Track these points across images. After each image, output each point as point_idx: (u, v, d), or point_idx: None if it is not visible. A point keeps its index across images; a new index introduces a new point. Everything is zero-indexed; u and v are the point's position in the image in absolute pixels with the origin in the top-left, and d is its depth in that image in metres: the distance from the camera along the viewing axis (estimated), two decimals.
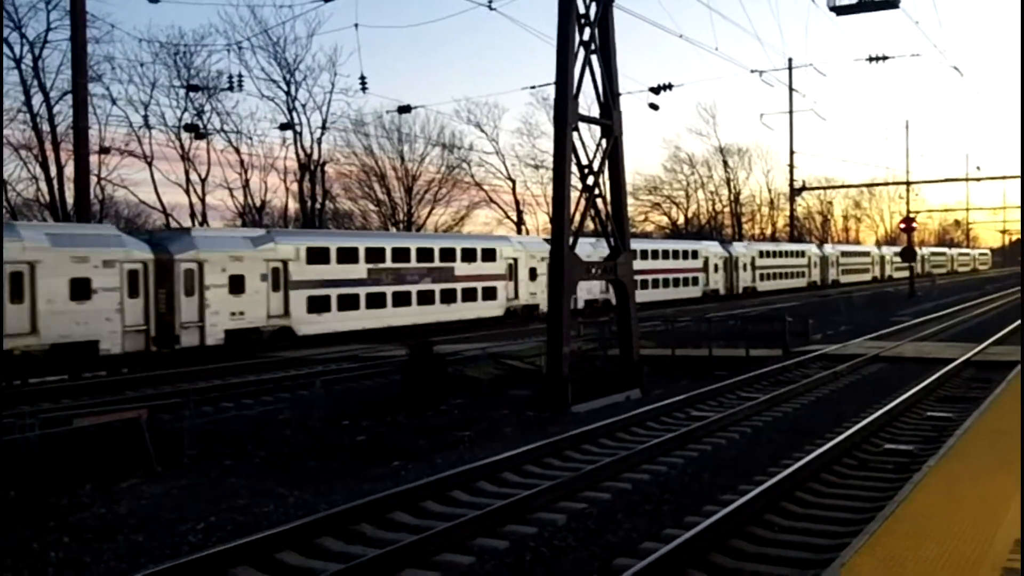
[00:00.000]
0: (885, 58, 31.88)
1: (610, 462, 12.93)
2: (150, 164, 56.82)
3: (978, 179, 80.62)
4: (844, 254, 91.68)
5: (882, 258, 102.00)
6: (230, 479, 13.48)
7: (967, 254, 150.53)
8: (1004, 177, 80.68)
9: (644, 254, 53.23)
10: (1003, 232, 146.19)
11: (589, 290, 48.08)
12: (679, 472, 12.81)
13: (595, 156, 21.72)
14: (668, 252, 59.10)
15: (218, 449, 15.31)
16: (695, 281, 61.23)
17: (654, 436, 15.24)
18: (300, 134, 62.32)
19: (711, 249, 65.04)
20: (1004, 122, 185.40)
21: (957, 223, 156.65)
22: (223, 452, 15.16)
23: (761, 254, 72.60)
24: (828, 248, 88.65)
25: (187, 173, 59.33)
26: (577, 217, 21.40)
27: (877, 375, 22.64)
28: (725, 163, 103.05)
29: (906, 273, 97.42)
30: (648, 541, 9.50)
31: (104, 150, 51.58)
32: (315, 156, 63.32)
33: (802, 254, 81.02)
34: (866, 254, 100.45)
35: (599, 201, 21.95)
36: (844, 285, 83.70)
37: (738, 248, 69.86)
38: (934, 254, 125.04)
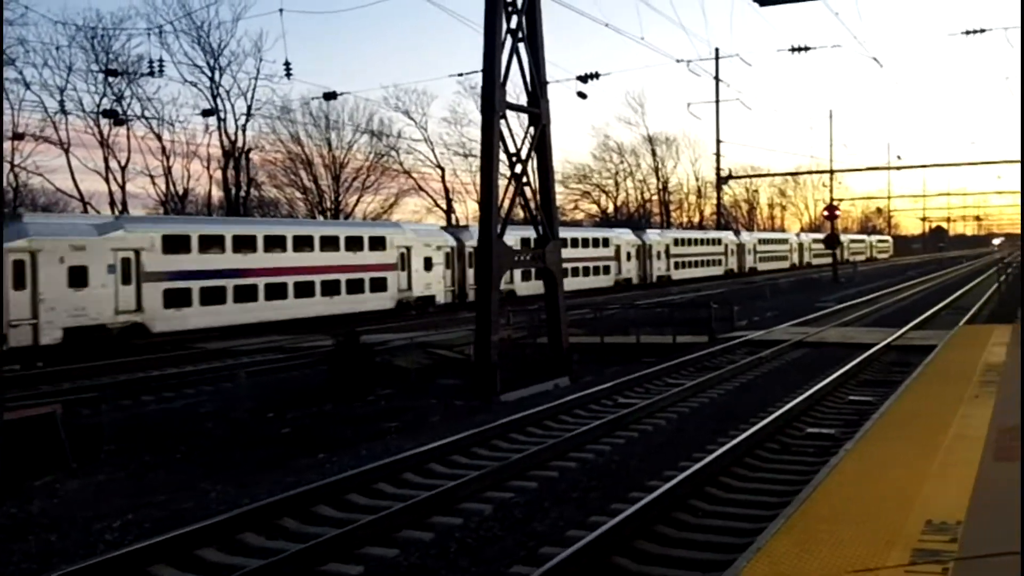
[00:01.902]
0: (807, 49, 32.34)
1: (538, 451, 12.89)
2: (67, 151, 55.56)
3: (899, 168, 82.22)
4: (762, 241, 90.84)
5: (800, 245, 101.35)
6: (150, 474, 13.19)
7: (885, 240, 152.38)
8: (924, 166, 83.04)
9: None
10: (923, 220, 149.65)
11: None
12: (606, 459, 12.84)
13: (523, 144, 21.70)
14: (577, 240, 57.22)
15: (138, 444, 14.99)
16: (606, 270, 59.83)
17: (582, 424, 15.25)
18: (224, 121, 61.51)
19: (623, 237, 63.84)
20: (923, 112, 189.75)
21: (879, 211, 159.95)
22: (143, 447, 14.84)
23: (676, 242, 71.18)
24: (745, 235, 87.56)
25: (106, 160, 58.22)
26: (506, 205, 21.37)
27: (801, 360, 22.97)
28: (653, 152, 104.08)
29: (825, 260, 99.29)
30: (574, 529, 9.48)
31: (18, 136, 50.21)
32: (240, 143, 62.50)
33: (718, 242, 79.93)
34: (784, 241, 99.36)
35: (527, 189, 21.94)
36: (762, 273, 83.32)
37: (652, 236, 68.30)
38: (853, 241, 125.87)
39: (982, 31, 32.35)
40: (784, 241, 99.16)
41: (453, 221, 76.64)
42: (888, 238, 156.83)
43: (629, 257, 63.51)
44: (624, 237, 63.82)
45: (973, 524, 5.28)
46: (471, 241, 42.18)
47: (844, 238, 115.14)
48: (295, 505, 10.46)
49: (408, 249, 42.61)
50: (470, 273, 44.87)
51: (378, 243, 41.02)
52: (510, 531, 9.64)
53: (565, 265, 52.88)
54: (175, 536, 9.08)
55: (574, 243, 56.19)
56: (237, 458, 14.10)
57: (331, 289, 38.18)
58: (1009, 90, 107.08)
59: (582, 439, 13.83)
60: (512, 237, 49.02)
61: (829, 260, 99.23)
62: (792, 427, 14.45)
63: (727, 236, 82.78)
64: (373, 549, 9.13)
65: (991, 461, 6.71)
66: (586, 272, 57.14)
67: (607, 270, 59.87)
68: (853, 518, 5.53)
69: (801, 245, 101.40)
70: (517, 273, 45.84)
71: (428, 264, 43.73)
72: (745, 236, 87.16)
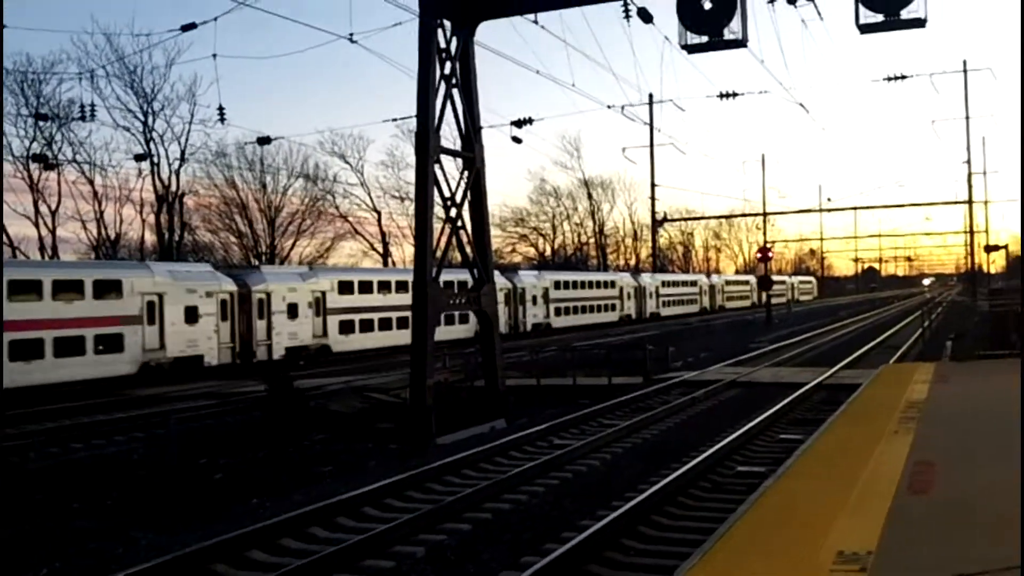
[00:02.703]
0: (735, 95, 33.13)
1: (471, 493, 12.94)
2: None
3: (829, 210, 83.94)
4: (666, 284, 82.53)
5: (712, 288, 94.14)
6: (79, 522, 12.97)
7: (808, 282, 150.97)
8: (854, 208, 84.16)
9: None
10: (855, 260, 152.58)
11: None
12: (540, 500, 12.92)
13: (458, 188, 21.90)
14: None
15: (67, 491, 14.72)
16: (464, 319, 46.37)
17: (516, 465, 15.32)
18: (158, 165, 60.89)
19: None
20: (851, 156, 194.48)
21: (813, 252, 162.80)
22: (72, 494, 14.58)
23: (557, 285, 62.23)
24: (646, 277, 79.12)
25: (36, 205, 57.26)
26: (441, 248, 21.50)
27: (734, 400, 23.31)
28: (589, 195, 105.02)
29: (741, 304, 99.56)
30: (506, 571, 9.55)
31: None
32: (173, 187, 61.92)
33: (611, 284, 71.55)
34: (692, 284, 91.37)
35: (463, 233, 22.10)
36: (666, 319, 75.83)
37: (527, 278, 59.31)
38: (776, 283, 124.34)
39: (903, 77, 33.42)
40: (692, 283, 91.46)
41: (390, 264, 76.53)
42: (812, 279, 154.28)
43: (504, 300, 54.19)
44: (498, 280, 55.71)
45: (883, 554, 5.46)
46: (261, 285, 37.70)
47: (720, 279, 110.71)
48: (226, 550, 10.39)
49: (160, 296, 33.18)
50: (259, 325, 37.33)
51: (109, 288, 31.41)
52: (442, 573, 9.68)
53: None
54: None
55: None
56: (169, 505, 13.93)
57: (27, 351, 28.15)
58: (935, 133, 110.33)
59: (516, 481, 13.90)
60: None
61: (745, 304, 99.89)
62: (723, 466, 14.68)
63: (623, 278, 74.95)
64: None
65: (906, 494, 6.94)
66: (450, 320, 45.49)
67: (464, 319, 46.66)
68: (768, 550, 5.70)
69: (712, 288, 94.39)
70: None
71: (192, 315, 34.42)
72: (646, 278, 78.75)
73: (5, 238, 55.97)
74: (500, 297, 50.38)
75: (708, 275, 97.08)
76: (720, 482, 13.59)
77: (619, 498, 12.64)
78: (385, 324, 44.27)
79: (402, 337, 42.17)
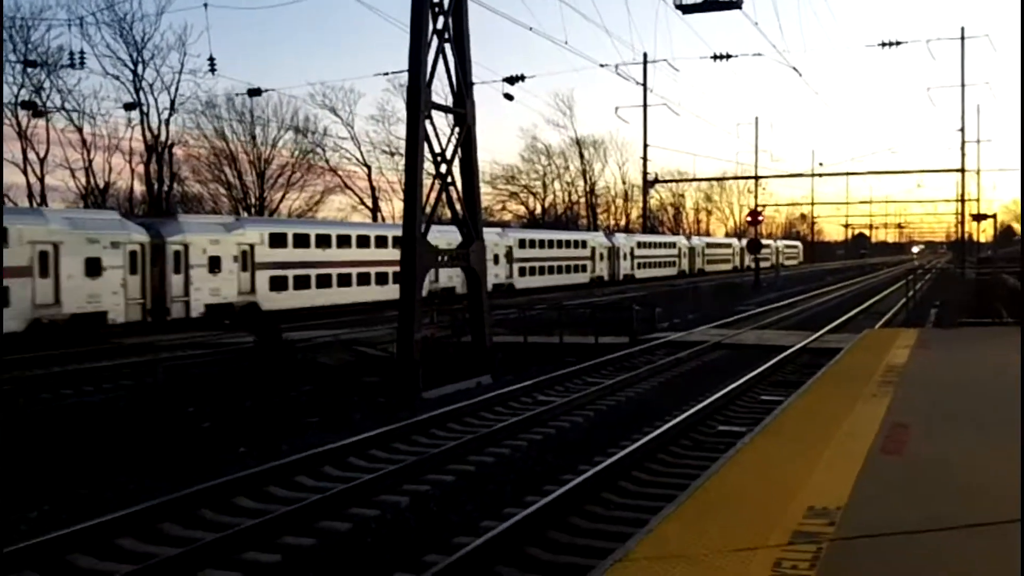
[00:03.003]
0: (729, 56, 33.10)
1: (455, 446, 13.15)
2: None
3: (821, 175, 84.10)
4: (641, 245, 78.57)
5: (692, 250, 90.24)
6: (68, 467, 13.11)
7: (794, 246, 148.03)
8: (846, 173, 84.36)
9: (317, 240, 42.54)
10: (846, 226, 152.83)
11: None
12: (523, 454, 13.13)
13: (448, 144, 21.91)
14: (368, 239, 45.73)
15: (56, 437, 14.86)
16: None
17: (501, 420, 15.54)
18: (147, 115, 60.54)
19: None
20: (844, 121, 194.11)
21: (803, 216, 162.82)
22: (62, 441, 14.73)
23: (523, 243, 59.46)
24: (620, 237, 75.58)
25: (24, 152, 56.94)
26: (430, 204, 21.57)
27: (718, 361, 23.55)
28: (581, 155, 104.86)
29: (723, 267, 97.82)
30: (488, 520, 9.74)
31: None
32: (163, 137, 61.59)
33: (583, 244, 68.02)
34: (670, 245, 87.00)
35: (452, 189, 22.16)
36: (642, 281, 72.27)
37: (489, 236, 52.45)
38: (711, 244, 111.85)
39: (898, 43, 33.43)
40: (671, 245, 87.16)
41: (379, 219, 76.42)
42: (798, 243, 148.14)
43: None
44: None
45: (852, 510, 5.65)
46: (177, 236, 34.81)
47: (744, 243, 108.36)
48: (214, 496, 10.57)
49: (55, 246, 30.25)
50: (175, 280, 34.56)
51: None
52: (425, 522, 9.87)
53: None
54: (93, 525, 9.14)
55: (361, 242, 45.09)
56: (157, 452, 14.08)
57: None
58: (930, 100, 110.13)
59: (500, 435, 14.10)
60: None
61: (724, 267, 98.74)
62: (705, 425, 14.90)
63: (595, 237, 71.50)
64: (290, 538, 9.28)
65: (878, 454, 7.12)
66: (362, 281, 44.30)
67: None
68: (741, 504, 5.88)
69: (692, 250, 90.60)
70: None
71: (95, 268, 31.53)
72: (620, 238, 75.55)
73: None
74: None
75: (688, 237, 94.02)
76: (701, 440, 13.81)
77: (601, 454, 12.85)
78: (324, 281, 41.52)
79: (345, 295, 42.38)
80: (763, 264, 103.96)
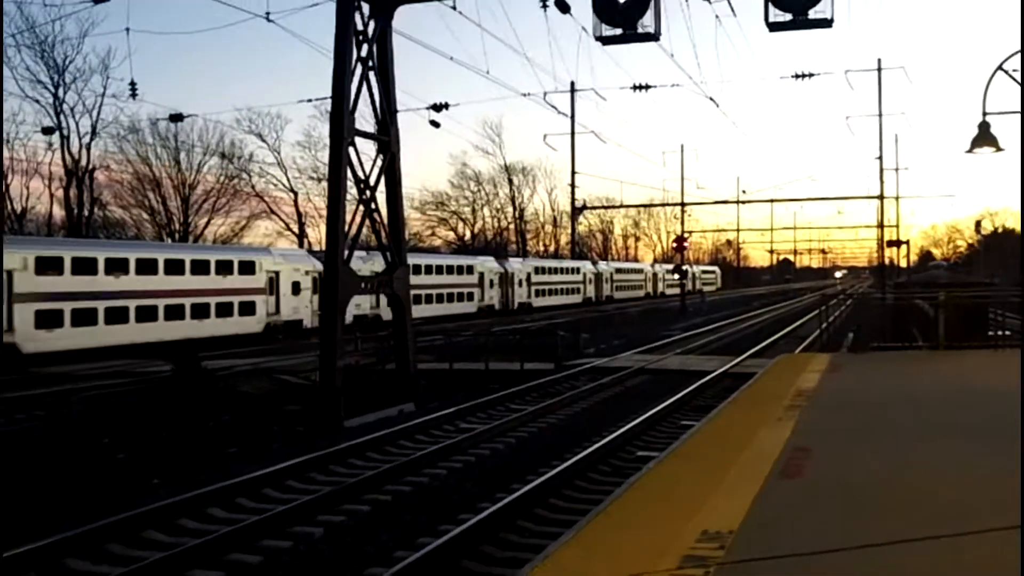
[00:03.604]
0: (648, 87, 33.67)
1: (373, 475, 13.08)
2: None
3: (745, 201, 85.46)
4: (540, 270, 72.80)
5: (598, 276, 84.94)
6: None
7: (711, 271, 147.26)
8: (771, 200, 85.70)
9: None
10: (771, 252, 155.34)
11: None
12: (441, 483, 13.12)
13: (372, 170, 21.90)
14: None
15: None
16: (250, 308, 40.76)
17: (421, 448, 15.50)
18: (68, 138, 59.42)
19: (272, 261, 43.26)
20: (766, 150, 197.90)
21: (729, 243, 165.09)
22: None
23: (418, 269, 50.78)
24: (515, 263, 69.52)
25: None
26: (353, 231, 21.51)
27: (641, 386, 23.76)
28: (511, 181, 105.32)
29: (632, 294, 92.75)
30: (401, 550, 9.71)
31: None
32: (84, 162, 60.50)
33: (470, 270, 61.61)
34: (575, 271, 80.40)
35: (376, 215, 22.14)
36: (540, 309, 67.06)
37: (354, 262, 44.17)
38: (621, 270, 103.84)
39: (811, 75, 34.31)
40: (574, 271, 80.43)
41: (306, 245, 75.87)
42: (715, 269, 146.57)
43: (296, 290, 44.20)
44: (274, 261, 43.46)
45: (743, 533, 5.76)
46: None
47: (659, 269, 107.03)
48: (123, 530, 10.39)
49: None
50: None
51: None
52: (338, 553, 9.81)
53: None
54: None
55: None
56: (69, 485, 13.78)
57: None
58: (849, 129, 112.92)
59: (419, 464, 14.07)
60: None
61: (635, 294, 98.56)
62: (624, 450, 15.04)
63: (484, 263, 64.16)
64: (199, 572, 9.16)
65: (777, 478, 7.27)
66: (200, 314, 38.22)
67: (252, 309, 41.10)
68: (636, 529, 5.95)
69: (599, 276, 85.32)
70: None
71: None
72: (515, 263, 69.19)
73: None
74: (308, 282, 43.79)
75: (595, 262, 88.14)
76: (620, 466, 13.92)
77: (520, 481, 12.89)
78: (117, 315, 34.26)
79: (147, 332, 35.06)
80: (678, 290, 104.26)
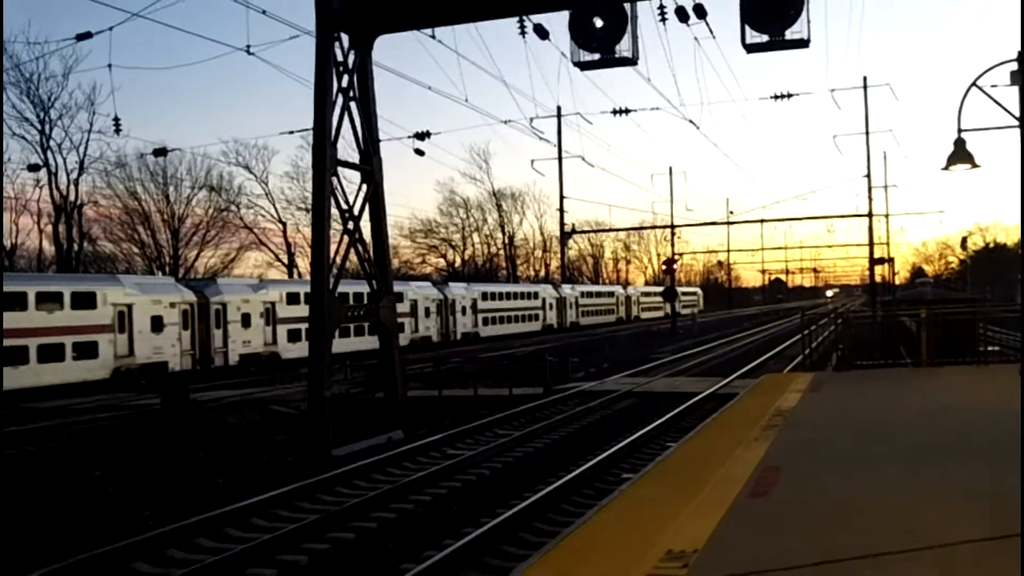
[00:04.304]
0: (628, 111, 34.00)
1: (358, 503, 13.20)
2: None
3: (735, 222, 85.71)
4: (487, 296, 66.88)
5: (560, 301, 78.59)
6: None
7: (693, 294, 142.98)
8: (761, 220, 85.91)
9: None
10: (762, 272, 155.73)
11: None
12: (426, 509, 13.25)
13: (356, 200, 22.09)
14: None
15: None
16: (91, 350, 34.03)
17: (407, 475, 15.62)
18: (55, 175, 59.64)
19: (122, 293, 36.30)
20: (753, 170, 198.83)
21: (720, 264, 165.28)
22: None
23: (288, 298, 44.66)
24: (458, 288, 63.93)
25: None
26: (339, 260, 21.67)
27: (628, 410, 23.88)
28: (499, 206, 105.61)
29: (601, 319, 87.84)
30: None
31: None
32: (72, 198, 60.71)
33: (399, 298, 49.92)
34: (531, 296, 74.20)
35: (361, 245, 22.29)
36: (490, 339, 61.39)
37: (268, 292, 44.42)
38: (645, 295, 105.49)
39: (790, 96, 34.69)
40: (532, 295, 74.01)
41: (295, 275, 75.98)
42: (697, 290, 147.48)
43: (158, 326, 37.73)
44: (139, 296, 37.16)
45: (707, 552, 5.90)
46: None
47: (633, 291, 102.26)
48: (111, 561, 10.49)
49: None
50: None
51: None
52: None
53: None
54: None
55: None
56: (59, 518, 13.86)
57: None
58: (836, 148, 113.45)
59: (405, 490, 14.20)
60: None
61: (605, 319, 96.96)
62: (609, 474, 15.16)
63: (419, 290, 57.94)
64: None
65: (746, 497, 7.41)
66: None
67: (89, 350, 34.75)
68: (603, 550, 6.09)
69: (561, 301, 79.22)
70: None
71: None
72: (457, 289, 63.57)
73: None
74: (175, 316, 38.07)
75: (557, 286, 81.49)
76: (603, 489, 14.01)
77: (504, 506, 13.01)
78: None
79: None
80: (656, 313, 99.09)
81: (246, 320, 41.87)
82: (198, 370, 38.32)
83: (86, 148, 61.54)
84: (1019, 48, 14.30)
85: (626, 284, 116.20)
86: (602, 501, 7.83)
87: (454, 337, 59.92)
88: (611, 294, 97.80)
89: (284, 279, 66.18)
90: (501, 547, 10.80)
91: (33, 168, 54.45)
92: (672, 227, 76.46)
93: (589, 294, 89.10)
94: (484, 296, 66.26)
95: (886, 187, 65.58)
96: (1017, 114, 14.39)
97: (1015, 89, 14.66)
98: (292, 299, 44.33)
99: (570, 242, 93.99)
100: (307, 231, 78.14)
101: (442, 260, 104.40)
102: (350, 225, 21.78)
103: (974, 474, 8.26)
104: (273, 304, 43.56)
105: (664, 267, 71.01)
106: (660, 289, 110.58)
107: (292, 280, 62.49)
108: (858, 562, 5.75)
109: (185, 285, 41.57)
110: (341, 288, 23.49)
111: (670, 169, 75.37)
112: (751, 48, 21.28)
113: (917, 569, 5.67)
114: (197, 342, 39.10)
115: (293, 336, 43.53)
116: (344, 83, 21.22)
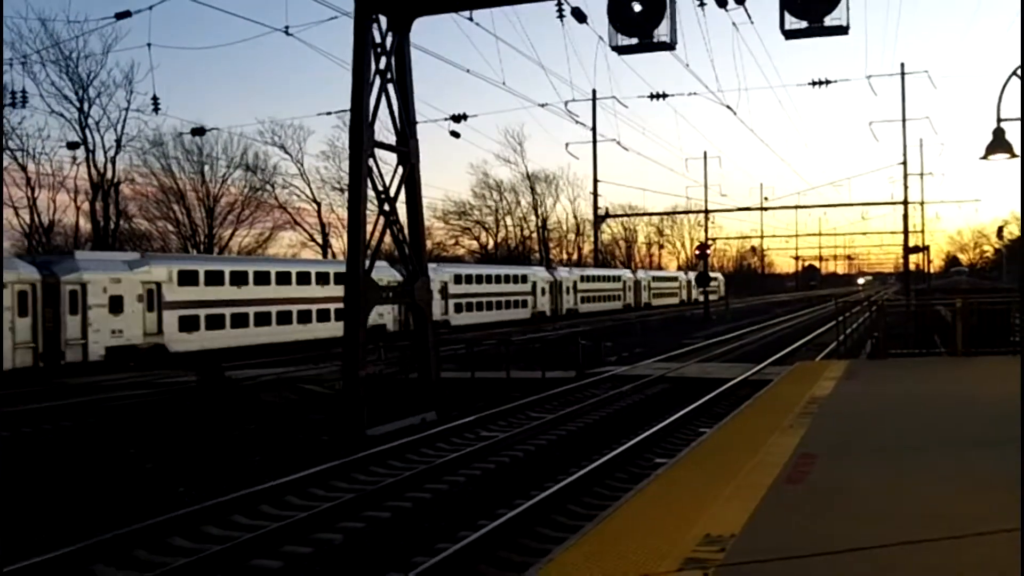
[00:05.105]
0: (665, 96, 33.85)
1: (394, 482, 13.31)
2: None
3: (769, 208, 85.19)
4: (469, 279, 60.51)
5: (555, 285, 71.22)
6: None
7: (713, 279, 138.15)
8: (795, 207, 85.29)
9: None
10: (796, 258, 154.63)
11: None
12: (460, 490, 13.34)
13: (392, 182, 22.15)
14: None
15: None
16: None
17: (441, 456, 15.73)
18: (93, 152, 60.20)
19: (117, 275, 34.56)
20: (791, 157, 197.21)
21: (754, 249, 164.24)
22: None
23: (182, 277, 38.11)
24: (563, 272, 67.60)
25: None
26: (374, 242, 21.76)
27: (660, 394, 23.89)
28: (533, 189, 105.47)
29: (607, 306, 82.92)
30: (419, 556, 9.92)
31: None
32: (109, 175, 61.28)
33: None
34: (521, 279, 67.58)
35: (397, 226, 22.37)
36: (468, 327, 54.53)
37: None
38: (657, 279, 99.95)
39: (827, 82, 34.40)
40: (521, 279, 67.39)
41: (329, 255, 76.37)
42: (719, 276, 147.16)
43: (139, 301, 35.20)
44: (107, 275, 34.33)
45: (744, 537, 5.93)
46: None
47: (644, 276, 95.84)
48: (149, 536, 10.65)
49: None
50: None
51: None
52: (357, 558, 10.03)
53: None
54: (22, 567, 9.20)
55: None
56: (96, 494, 14.09)
57: None
58: (872, 135, 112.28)
59: (439, 471, 14.29)
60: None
61: (671, 300, 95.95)
62: (642, 458, 15.19)
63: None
64: None
65: (781, 484, 7.43)
66: None
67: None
68: (641, 533, 6.14)
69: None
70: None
71: None
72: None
73: None
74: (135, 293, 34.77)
75: (554, 269, 76.51)
76: (637, 473, 14.06)
77: (538, 488, 13.08)
78: None
79: None
80: (671, 300, 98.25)
81: (116, 304, 34.20)
82: (40, 367, 31.29)
83: (123, 126, 62.11)
84: (1020, 46, 14.10)
85: (686, 270, 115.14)
86: (639, 484, 7.87)
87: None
88: (675, 279, 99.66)
89: (176, 255, 59.78)
90: (536, 528, 10.87)
91: (72, 146, 54.96)
92: (706, 212, 76.15)
93: (659, 278, 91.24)
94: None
95: (922, 175, 64.99)
96: None
97: None
98: (186, 278, 37.60)
99: (603, 226, 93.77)
100: (341, 211, 78.79)
101: (475, 242, 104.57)
102: (386, 207, 21.86)
103: (1011, 464, 8.21)
104: (158, 285, 36.04)
105: (697, 252, 70.60)
106: (674, 274, 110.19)
107: (187, 256, 57.71)
108: (894, 549, 5.77)
109: (31, 261, 34.03)
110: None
111: (705, 154, 74.94)
112: (790, 34, 21.09)
113: (953, 557, 5.67)
114: (40, 333, 31.53)
115: (187, 324, 37.16)
116: (382, 65, 21.24)
